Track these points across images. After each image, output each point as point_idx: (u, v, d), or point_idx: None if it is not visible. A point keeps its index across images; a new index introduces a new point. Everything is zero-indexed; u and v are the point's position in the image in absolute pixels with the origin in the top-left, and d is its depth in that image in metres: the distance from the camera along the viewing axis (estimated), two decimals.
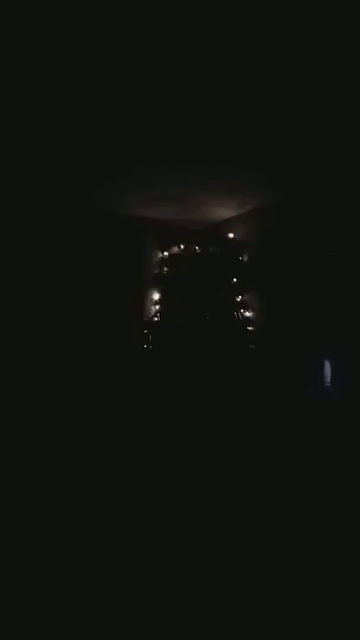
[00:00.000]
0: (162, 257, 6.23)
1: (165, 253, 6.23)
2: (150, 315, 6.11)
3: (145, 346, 5.97)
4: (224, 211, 5.88)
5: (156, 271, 6.20)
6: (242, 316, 5.75)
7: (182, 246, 6.25)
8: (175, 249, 6.24)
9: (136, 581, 3.00)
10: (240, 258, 5.91)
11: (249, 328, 5.72)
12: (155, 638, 2.47)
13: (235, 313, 5.79)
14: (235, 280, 5.87)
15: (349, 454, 4.10)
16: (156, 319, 6.08)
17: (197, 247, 6.27)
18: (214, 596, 2.82)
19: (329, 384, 4.19)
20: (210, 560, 3.24)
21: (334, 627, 2.52)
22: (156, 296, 6.15)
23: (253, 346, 5.63)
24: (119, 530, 3.73)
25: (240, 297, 5.82)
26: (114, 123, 3.86)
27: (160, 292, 6.15)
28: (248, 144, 4.21)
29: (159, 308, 6.11)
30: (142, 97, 3.48)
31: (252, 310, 5.75)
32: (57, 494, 4.23)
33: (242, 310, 5.77)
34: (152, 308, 6.14)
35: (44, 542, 3.48)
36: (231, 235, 5.99)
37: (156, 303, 6.13)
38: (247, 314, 5.76)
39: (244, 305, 5.79)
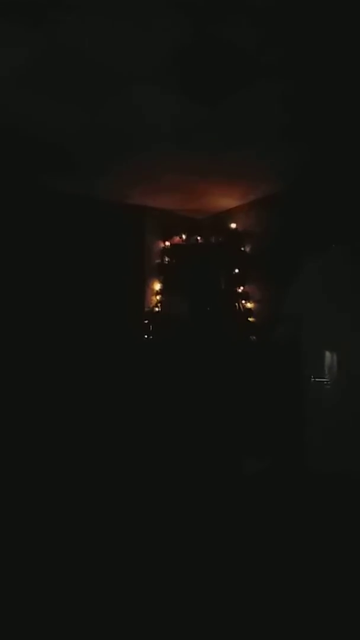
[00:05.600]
0: (163, 247, 6.17)
1: (167, 243, 6.17)
2: (151, 306, 6.07)
3: (146, 337, 5.95)
4: (227, 201, 5.83)
5: (157, 261, 6.14)
6: (243, 307, 5.71)
7: (183, 236, 6.19)
8: (177, 239, 6.18)
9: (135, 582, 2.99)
10: (243, 249, 5.85)
11: (250, 319, 5.68)
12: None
13: (237, 304, 5.74)
14: (237, 271, 5.82)
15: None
16: (157, 309, 6.04)
17: (198, 238, 6.21)
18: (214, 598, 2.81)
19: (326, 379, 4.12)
20: (210, 561, 3.22)
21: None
22: (157, 286, 6.10)
23: (254, 337, 5.60)
24: (118, 530, 3.72)
25: (242, 288, 5.78)
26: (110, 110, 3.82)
27: (161, 282, 6.11)
28: (253, 131, 4.16)
29: (160, 298, 6.07)
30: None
31: (254, 302, 5.71)
32: (56, 494, 4.21)
33: (243, 302, 5.73)
34: (153, 298, 6.10)
35: (42, 543, 3.47)
36: (234, 225, 5.93)
37: (157, 293, 6.09)
38: (249, 305, 5.72)
39: (246, 297, 5.75)
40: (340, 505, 2.95)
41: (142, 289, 6.04)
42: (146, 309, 6.03)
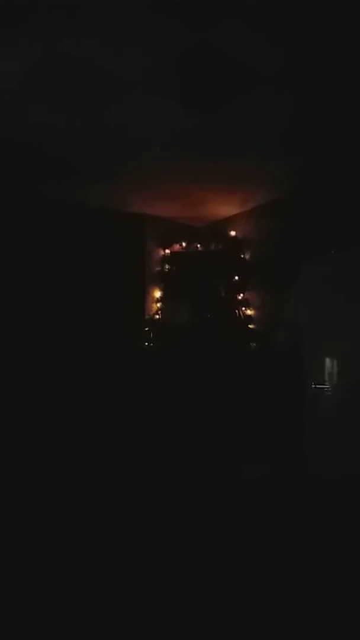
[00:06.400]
0: (163, 255, 6.20)
1: (167, 251, 6.20)
2: (151, 313, 6.08)
3: (147, 344, 5.95)
4: (226, 209, 5.86)
5: (157, 269, 6.17)
6: (243, 314, 5.72)
7: (183, 244, 6.22)
8: (177, 246, 6.20)
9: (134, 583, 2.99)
10: (243, 256, 5.88)
11: (251, 326, 5.69)
12: None
13: (237, 311, 5.76)
14: (237, 278, 5.84)
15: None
16: (158, 316, 6.05)
17: (199, 245, 6.24)
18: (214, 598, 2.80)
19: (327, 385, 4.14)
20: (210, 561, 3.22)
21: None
22: (158, 294, 6.12)
23: (254, 344, 5.60)
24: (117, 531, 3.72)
25: (242, 295, 5.80)
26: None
27: (162, 290, 6.13)
28: (251, 139, 4.19)
29: (161, 306, 6.08)
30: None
31: (254, 309, 5.72)
32: (58, 504, 4.20)
33: (243, 309, 5.75)
34: (154, 306, 6.11)
35: (42, 544, 3.47)
36: (233, 233, 5.96)
37: (158, 301, 6.11)
38: (249, 312, 5.73)
39: (246, 304, 5.77)
40: (339, 509, 2.96)
41: (143, 297, 6.06)
42: (147, 317, 6.05)
